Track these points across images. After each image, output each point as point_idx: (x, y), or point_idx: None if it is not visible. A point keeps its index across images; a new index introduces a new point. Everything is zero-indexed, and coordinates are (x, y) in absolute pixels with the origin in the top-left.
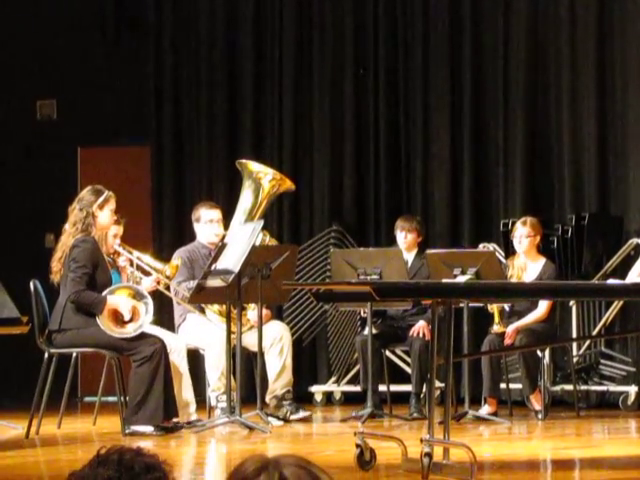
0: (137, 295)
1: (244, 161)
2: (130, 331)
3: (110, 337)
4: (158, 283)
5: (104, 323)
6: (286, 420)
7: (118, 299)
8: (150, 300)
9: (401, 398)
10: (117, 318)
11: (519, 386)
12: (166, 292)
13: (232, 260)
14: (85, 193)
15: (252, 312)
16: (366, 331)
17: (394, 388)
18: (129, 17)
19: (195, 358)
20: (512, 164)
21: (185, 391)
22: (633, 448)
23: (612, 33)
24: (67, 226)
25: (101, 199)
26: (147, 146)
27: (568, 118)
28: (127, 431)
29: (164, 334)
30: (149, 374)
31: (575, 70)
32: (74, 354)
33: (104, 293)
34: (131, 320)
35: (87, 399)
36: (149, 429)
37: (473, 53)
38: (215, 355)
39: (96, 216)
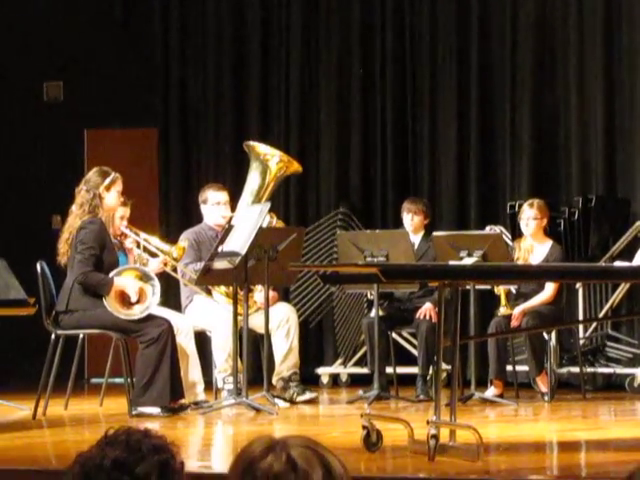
0: (144, 277)
1: (251, 143)
2: (137, 313)
3: (117, 318)
4: (165, 265)
5: (111, 304)
6: (292, 402)
7: (125, 280)
8: (157, 282)
9: (408, 380)
10: (124, 299)
11: (525, 368)
12: (173, 274)
13: (239, 242)
14: (92, 174)
15: (259, 294)
16: (373, 313)
17: (401, 370)
18: None
19: (202, 340)
20: (519, 146)
21: (192, 372)
22: (639, 430)
23: (620, 17)
24: (74, 207)
25: (108, 180)
26: (154, 128)
27: (575, 100)
28: (134, 412)
29: (171, 315)
30: (156, 355)
31: (582, 53)
32: (81, 335)
33: (111, 274)
34: (138, 302)
35: (94, 380)
36: (156, 410)
37: (481, 36)
38: (222, 337)
39: (103, 197)
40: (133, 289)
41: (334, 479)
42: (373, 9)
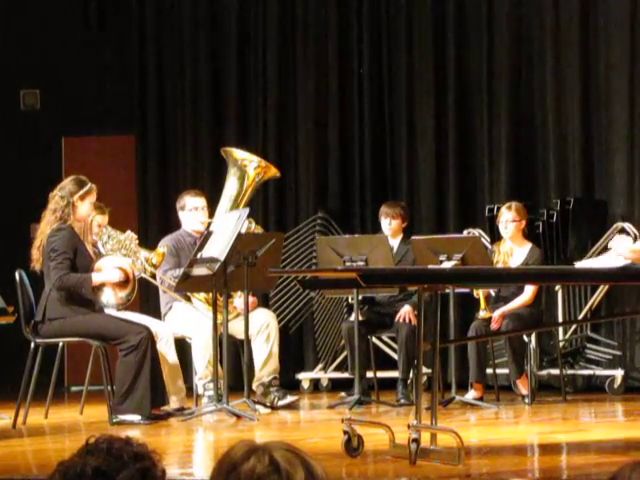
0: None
1: (229, 149)
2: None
3: (96, 326)
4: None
5: (114, 295)
6: (273, 407)
7: (101, 274)
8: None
9: (388, 384)
10: (117, 284)
11: (506, 371)
12: (152, 281)
13: (218, 248)
14: (68, 182)
15: (238, 300)
16: (352, 317)
17: (381, 374)
18: (112, 5)
19: (182, 346)
20: (497, 149)
21: (174, 379)
22: (619, 432)
23: (596, 16)
24: (46, 213)
25: (83, 190)
26: (131, 135)
27: (552, 103)
28: (114, 420)
29: (151, 322)
30: (136, 363)
31: (559, 55)
32: (60, 344)
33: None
34: (127, 278)
35: (74, 389)
36: (136, 418)
37: (457, 37)
38: (202, 343)
39: (76, 206)
40: (115, 275)
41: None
42: (350, 16)
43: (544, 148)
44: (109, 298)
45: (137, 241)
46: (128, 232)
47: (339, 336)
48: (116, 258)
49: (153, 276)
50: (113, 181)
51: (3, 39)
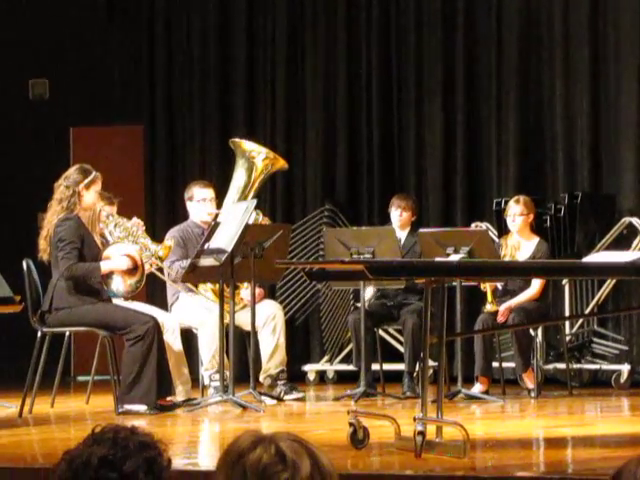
0: (120, 240)
1: (237, 140)
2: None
3: (103, 316)
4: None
5: (123, 283)
6: (279, 399)
7: (109, 262)
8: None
9: (394, 377)
10: (126, 272)
11: (512, 365)
12: (158, 274)
13: (225, 239)
14: (73, 171)
15: (245, 291)
16: (359, 304)
17: (387, 367)
18: None
19: (188, 337)
20: (505, 143)
21: (179, 368)
22: (625, 426)
23: (605, 13)
24: (52, 203)
25: (88, 179)
26: (140, 125)
27: (561, 97)
28: (120, 410)
29: (157, 313)
30: (142, 353)
31: (568, 50)
32: (67, 333)
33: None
34: (136, 265)
35: (80, 378)
36: (142, 408)
37: (466, 31)
38: (208, 334)
39: (82, 195)
40: (123, 262)
41: (322, 470)
42: (359, 10)
43: (552, 142)
44: (118, 286)
45: (144, 227)
46: (134, 219)
47: (345, 328)
48: (124, 246)
49: (160, 269)
50: (121, 171)
51: (12, 29)
